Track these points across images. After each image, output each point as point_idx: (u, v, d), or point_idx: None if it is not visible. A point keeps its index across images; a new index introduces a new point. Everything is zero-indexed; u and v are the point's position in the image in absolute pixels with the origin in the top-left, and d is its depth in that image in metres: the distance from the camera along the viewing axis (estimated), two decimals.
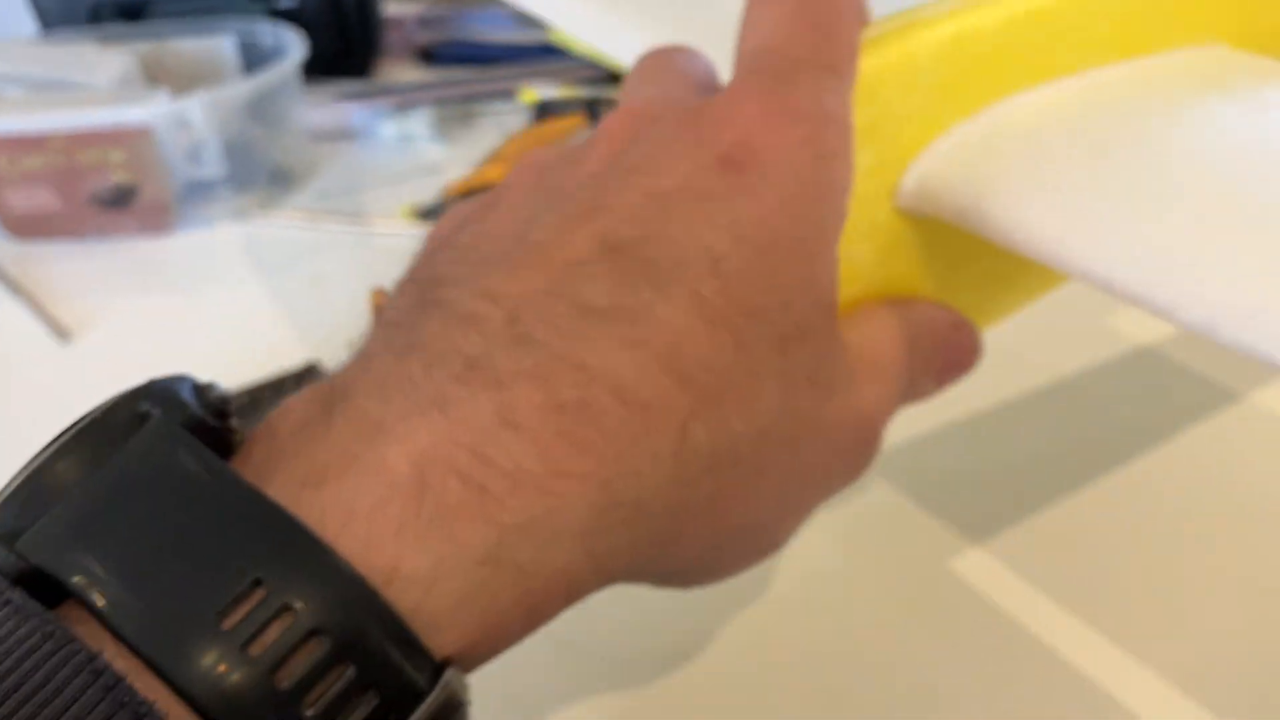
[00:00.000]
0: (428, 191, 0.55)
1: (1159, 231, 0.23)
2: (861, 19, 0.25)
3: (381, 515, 0.16)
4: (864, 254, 0.26)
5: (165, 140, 0.52)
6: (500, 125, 0.61)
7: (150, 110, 0.51)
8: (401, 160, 0.59)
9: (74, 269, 0.52)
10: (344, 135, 0.62)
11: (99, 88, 0.54)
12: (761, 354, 0.20)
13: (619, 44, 0.37)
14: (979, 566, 0.32)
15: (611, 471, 0.18)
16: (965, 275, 0.27)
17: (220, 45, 0.60)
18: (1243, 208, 0.23)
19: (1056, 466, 0.36)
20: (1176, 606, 0.31)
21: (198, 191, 0.55)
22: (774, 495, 0.21)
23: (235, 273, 0.52)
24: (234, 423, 0.19)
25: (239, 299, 0.50)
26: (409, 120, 0.61)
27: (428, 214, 0.53)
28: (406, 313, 0.20)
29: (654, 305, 0.19)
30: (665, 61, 0.26)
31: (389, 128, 0.61)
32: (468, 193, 0.54)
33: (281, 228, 0.55)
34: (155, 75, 0.58)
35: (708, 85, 0.24)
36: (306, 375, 0.39)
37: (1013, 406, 0.39)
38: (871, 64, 0.25)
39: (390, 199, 0.56)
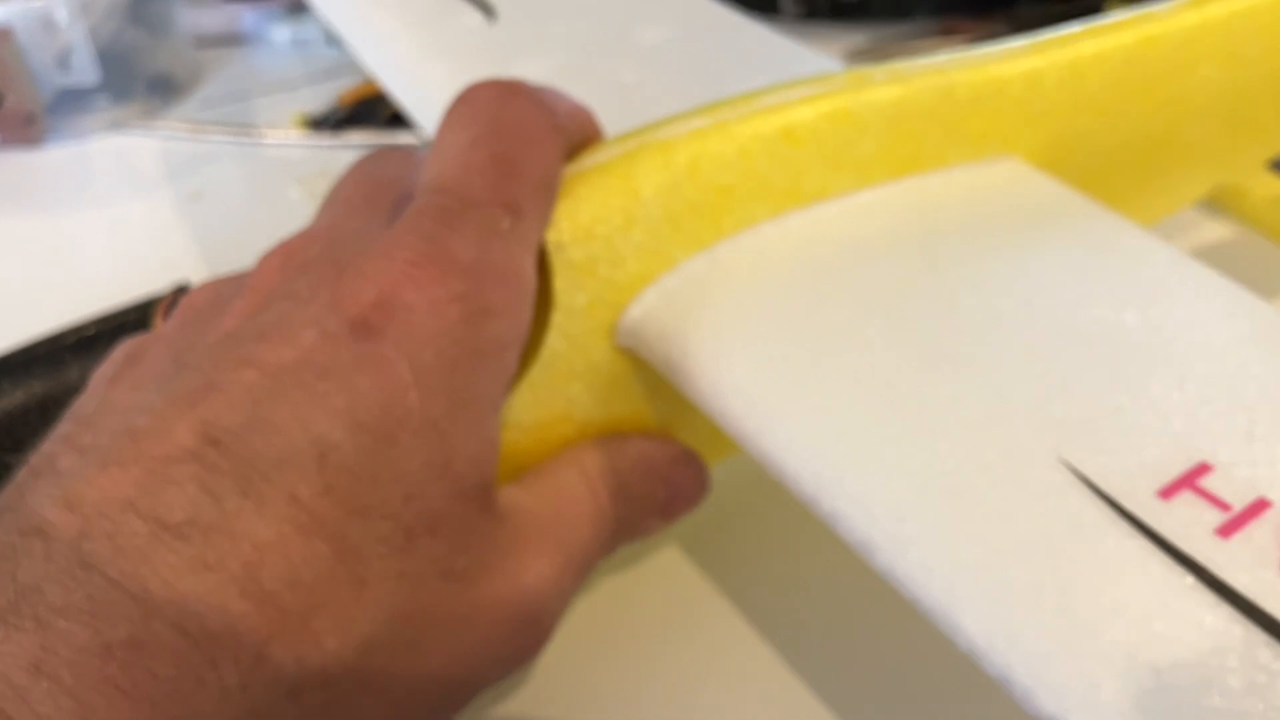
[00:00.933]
0: (321, 100, 0.52)
1: (830, 415, 0.20)
2: (561, 146, 0.23)
3: None
4: (579, 393, 0.24)
5: (28, 43, 0.48)
6: None
7: (8, 9, 0.47)
8: (294, 66, 0.55)
9: None
10: (232, 40, 0.57)
11: None
12: (372, 557, 0.18)
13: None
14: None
15: (163, 717, 0.16)
16: (694, 412, 0.24)
17: None
18: (924, 391, 0.20)
19: None
20: None
21: (69, 101, 0.51)
22: (387, 707, 0.19)
23: (111, 188, 0.48)
24: None
25: (115, 216, 0.46)
26: (303, 23, 0.56)
27: (320, 124, 0.50)
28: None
29: (238, 516, 0.17)
30: (368, 172, 0.23)
31: (281, 31, 0.57)
32: (361, 101, 0.50)
33: (162, 139, 0.51)
34: None
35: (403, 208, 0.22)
36: (176, 299, 0.36)
37: None
38: (589, 197, 0.23)
39: (281, 108, 0.52)
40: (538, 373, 0.23)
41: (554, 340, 0.23)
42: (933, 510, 0.18)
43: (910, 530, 0.18)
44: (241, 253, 0.46)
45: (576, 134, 0.23)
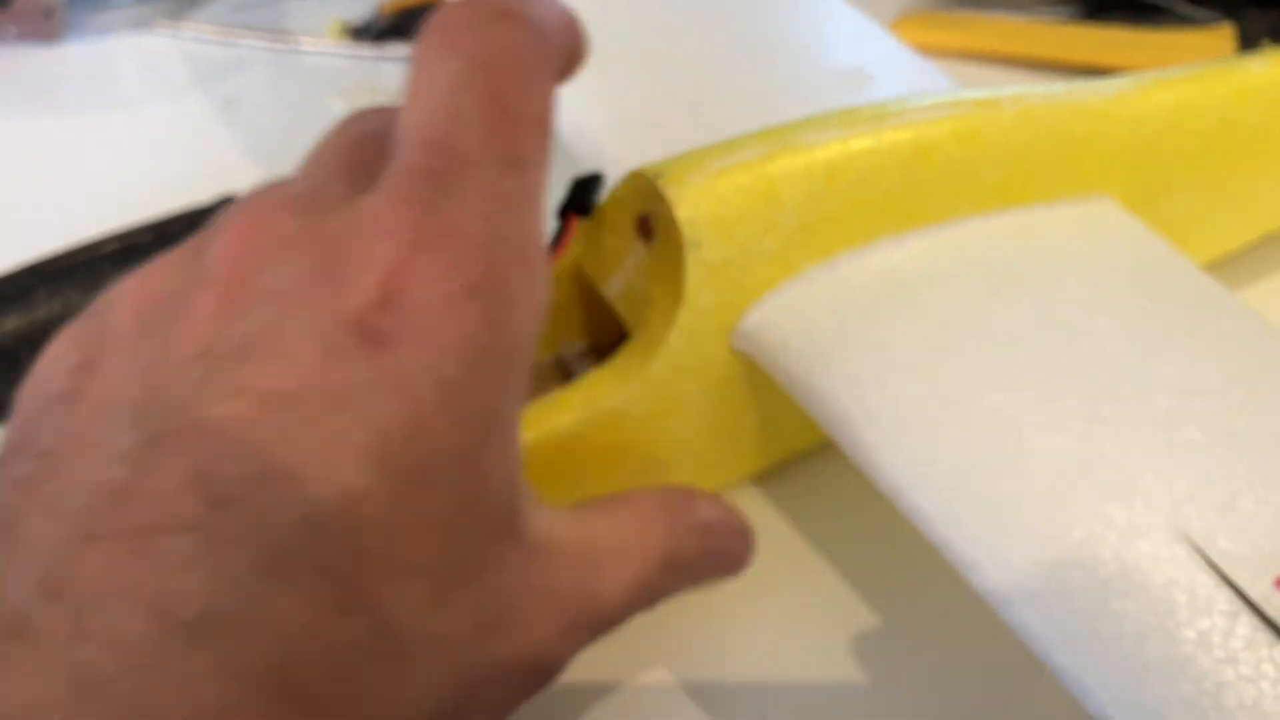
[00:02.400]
0: (361, 7, 0.49)
1: (960, 469, 0.21)
2: (555, 73, 0.19)
3: None
4: (690, 389, 0.24)
5: None
6: None
7: None
8: None
9: None
10: None
11: None
12: (409, 625, 0.15)
13: None
14: None
15: None
16: (792, 413, 0.24)
17: None
18: (1054, 450, 0.21)
19: None
20: None
21: None
22: None
23: (135, 90, 0.45)
24: None
25: (139, 121, 0.44)
26: None
27: (360, 34, 0.47)
28: None
29: (264, 602, 0.14)
30: (348, 129, 0.21)
31: None
32: (404, 11, 0.47)
33: (190, 41, 0.48)
34: None
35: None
36: (221, 209, 0.33)
37: None
38: (733, 201, 0.23)
39: (318, 14, 0.49)
40: (656, 368, 0.23)
41: (675, 338, 0.23)
42: (1061, 578, 0.19)
43: (1042, 598, 0.19)
44: (282, 164, 0.44)
45: (567, 51, 0.20)
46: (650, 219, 0.24)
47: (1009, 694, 0.25)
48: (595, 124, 0.28)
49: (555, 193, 0.25)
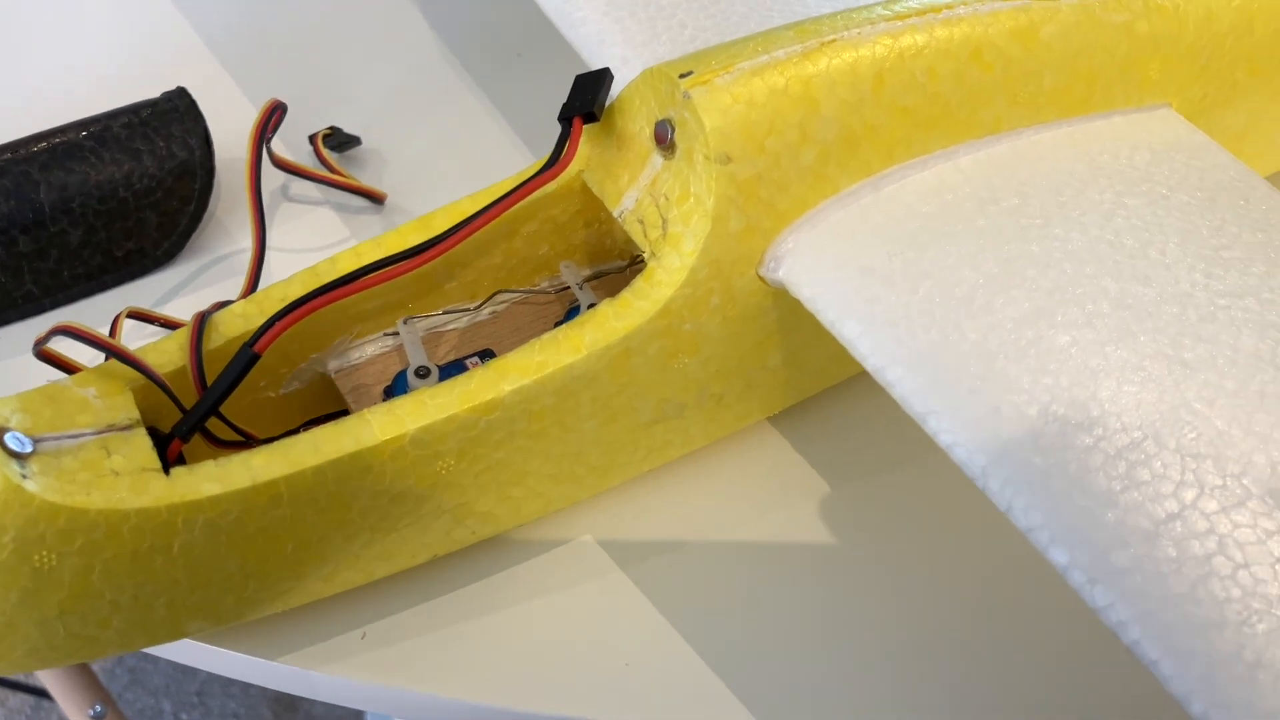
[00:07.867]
0: None
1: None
2: None
3: None
4: (710, 325, 0.22)
5: None
6: None
7: None
8: None
9: None
10: None
11: None
12: None
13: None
14: None
15: None
16: (821, 350, 0.23)
17: None
18: (1097, 389, 0.19)
19: None
20: None
21: None
22: None
23: None
24: None
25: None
26: None
27: None
28: None
29: None
30: None
31: None
32: None
33: None
34: None
35: None
36: (274, 114, 0.29)
37: None
38: (766, 105, 0.20)
39: None
40: (673, 302, 0.21)
41: (697, 268, 0.21)
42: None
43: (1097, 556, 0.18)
44: (238, 53, 0.40)
45: None
46: (670, 126, 0.21)
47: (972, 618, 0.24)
48: (599, 10, 0.25)
49: (559, 93, 0.23)
